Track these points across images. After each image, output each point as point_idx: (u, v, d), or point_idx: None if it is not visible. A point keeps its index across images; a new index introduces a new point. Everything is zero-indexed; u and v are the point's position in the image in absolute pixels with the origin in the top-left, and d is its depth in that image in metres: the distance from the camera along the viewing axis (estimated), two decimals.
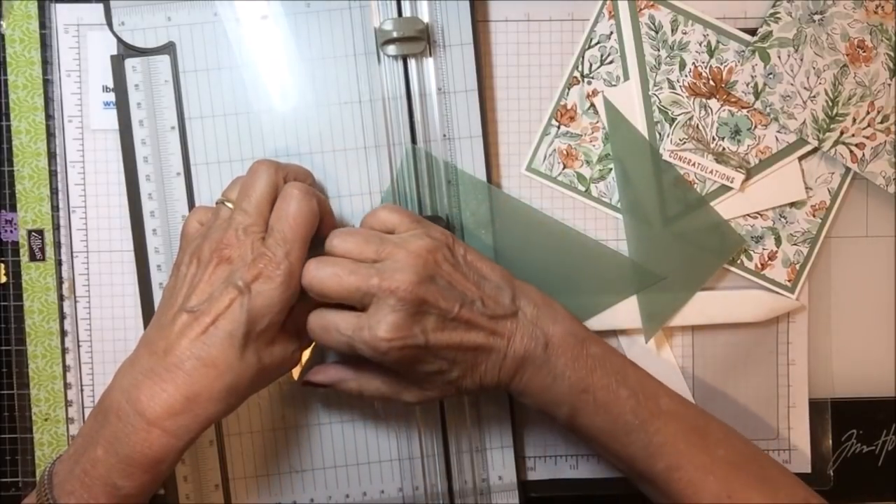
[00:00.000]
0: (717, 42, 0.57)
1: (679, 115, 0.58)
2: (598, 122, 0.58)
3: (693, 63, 0.58)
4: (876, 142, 0.58)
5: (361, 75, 0.56)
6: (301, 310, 0.49)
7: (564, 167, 0.58)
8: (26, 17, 0.56)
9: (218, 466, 0.57)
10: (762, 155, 0.58)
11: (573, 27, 0.58)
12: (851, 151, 0.58)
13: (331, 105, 0.56)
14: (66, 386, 0.58)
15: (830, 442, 0.60)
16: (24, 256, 0.57)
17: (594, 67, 0.58)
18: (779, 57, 0.57)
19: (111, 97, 0.57)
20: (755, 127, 0.58)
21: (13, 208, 0.57)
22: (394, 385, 0.51)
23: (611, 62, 0.58)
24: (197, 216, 0.51)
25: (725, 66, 0.57)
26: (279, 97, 0.56)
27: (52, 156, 0.57)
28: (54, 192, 0.57)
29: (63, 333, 0.58)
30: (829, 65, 0.57)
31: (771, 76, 0.57)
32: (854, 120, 0.57)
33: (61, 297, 0.58)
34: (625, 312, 0.58)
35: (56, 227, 0.57)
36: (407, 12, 0.55)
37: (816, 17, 0.57)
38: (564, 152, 0.58)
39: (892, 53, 0.57)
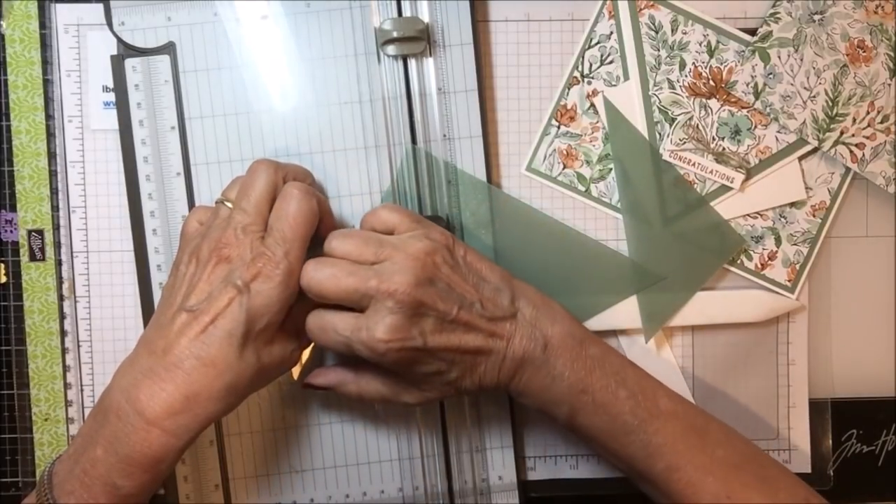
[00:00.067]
0: (717, 42, 0.57)
1: (679, 115, 0.58)
2: (598, 122, 0.58)
3: (693, 63, 0.58)
4: (876, 142, 0.58)
5: (361, 75, 0.56)
6: (300, 309, 0.49)
7: (564, 167, 0.58)
8: (26, 17, 0.56)
9: (218, 466, 0.57)
10: (762, 155, 0.58)
11: (573, 27, 0.58)
12: (851, 151, 0.58)
13: (331, 105, 0.56)
14: (66, 386, 0.58)
15: (830, 442, 0.60)
16: (24, 256, 0.57)
17: (594, 67, 0.58)
18: (779, 57, 0.57)
19: (111, 97, 0.57)
20: (755, 127, 0.58)
21: (13, 208, 0.57)
22: (393, 387, 0.51)
23: (611, 62, 0.58)
24: (197, 216, 0.51)
25: (725, 66, 0.57)
26: (279, 97, 0.56)
27: (52, 156, 0.57)
28: (54, 192, 0.57)
29: (63, 333, 0.58)
30: (829, 65, 0.57)
31: (771, 76, 0.57)
32: (854, 120, 0.57)
33: (61, 297, 0.58)
34: (625, 312, 0.58)
35: (56, 227, 0.57)
36: (407, 12, 0.55)
37: (816, 17, 0.57)
38: (564, 152, 0.58)
39: (892, 53, 0.57)
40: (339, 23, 0.56)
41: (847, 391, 0.61)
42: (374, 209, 0.51)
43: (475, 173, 0.57)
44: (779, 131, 0.58)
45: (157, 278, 0.56)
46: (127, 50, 0.55)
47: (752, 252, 0.59)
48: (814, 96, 0.57)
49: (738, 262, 0.59)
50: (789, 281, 0.59)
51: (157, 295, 0.56)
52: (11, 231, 0.57)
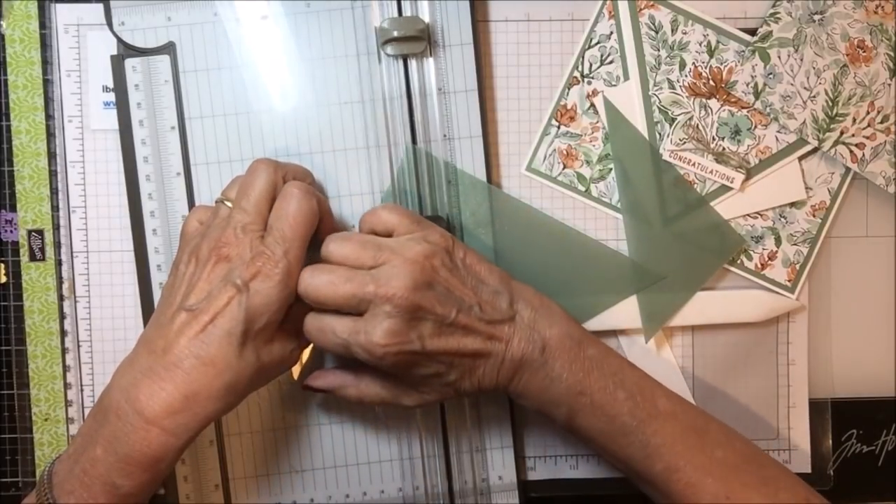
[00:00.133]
0: (717, 42, 0.57)
1: (679, 115, 0.58)
2: (598, 122, 0.58)
3: (693, 63, 0.58)
4: (876, 142, 0.58)
5: (362, 75, 0.56)
6: (299, 309, 0.49)
7: (564, 167, 0.58)
8: (26, 17, 0.56)
9: (218, 466, 0.57)
10: (762, 155, 0.58)
11: (573, 27, 0.58)
12: (851, 151, 0.58)
13: (331, 105, 0.56)
14: (66, 386, 0.58)
15: (830, 442, 0.60)
16: (24, 256, 0.57)
17: (594, 67, 0.58)
18: (779, 57, 0.57)
19: (111, 97, 0.57)
20: (755, 127, 0.58)
21: (13, 208, 0.57)
22: (393, 390, 0.51)
23: (611, 62, 0.58)
24: (196, 215, 0.51)
25: (725, 66, 0.57)
26: (279, 97, 0.56)
27: (52, 156, 0.57)
28: (54, 192, 0.57)
29: (63, 333, 0.58)
30: (829, 65, 0.57)
31: (771, 76, 0.57)
32: (854, 120, 0.57)
33: (61, 297, 0.58)
34: (625, 312, 0.58)
35: (56, 227, 0.57)
36: (407, 12, 0.55)
37: (816, 17, 0.57)
38: (564, 152, 0.58)
39: (892, 53, 0.57)
40: (339, 23, 0.56)
41: (847, 391, 0.61)
42: (373, 209, 0.51)
43: (475, 173, 0.57)
44: (779, 131, 0.58)
45: (157, 278, 0.56)
46: (127, 50, 0.55)
47: (752, 252, 0.59)
48: (814, 96, 0.57)
49: (738, 262, 0.59)
50: (789, 281, 0.59)
51: (157, 295, 0.56)
52: (11, 231, 0.57)
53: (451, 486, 0.58)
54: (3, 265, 0.58)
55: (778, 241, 0.59)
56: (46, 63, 0.57)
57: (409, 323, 0.46)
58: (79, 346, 0.58)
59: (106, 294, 0.58)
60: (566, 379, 0.49)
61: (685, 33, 0.57)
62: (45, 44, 0.57)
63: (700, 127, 0.58)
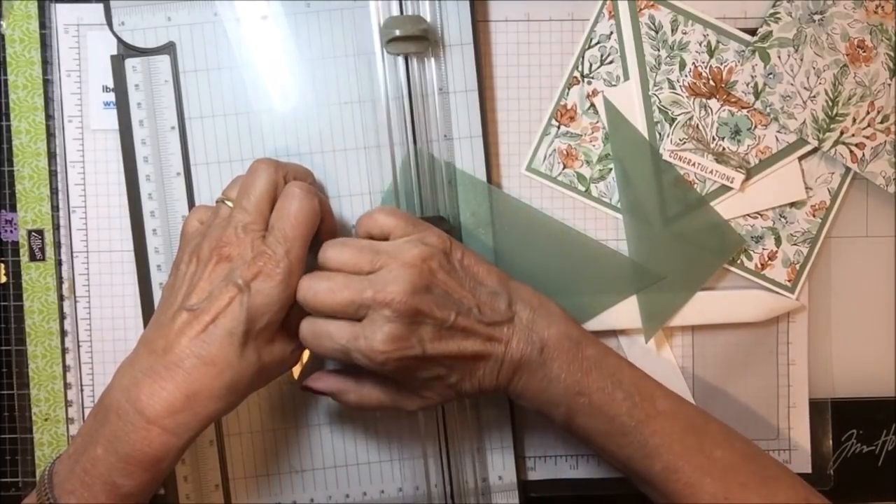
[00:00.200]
0: (717, 42, 0.57)
1: (679, 115, 0.58)
2: (598, 122, 0.58)
3: (693, 63, 0.58)
4: (876, 142, 0.58)
5: (361, 75, 0.56)
6: (300, 309, 0.48)
7: (564, 167, 0.58)
8: (26, 17, 0.56)
9: (218, 466, 0.57)
10: (762, 155, 0.58)
11: (573, 27, 0.58)
12: (851, 151, 0.58)
13: (331, 105, 0.56)
14: (66, 386, 0.58)
15: (830, 442, 0.60)
16: (24, 256, 0.57)
17: (594, 67, 0.58)
18: (779, 57, 0.57)
19: (111, 97, 0.57)
20: (755, 127, 0.58)
21: (13, 208, 0.57)
22: (393, 394, 0.51)
23: (611, 62, 0.58)
24: (197, 215, 0.51)
25: (725, 66, 0.58)
26: (279, 97, 0.56)
27: (52, 156, 0.57)
28: (54, 192, 0.57)
29: (63, 333, 0.58)
30: (829, 65, 0.57)
31: (771, 76, 0.57)
32: (854, 120, 0.57)
33: (61, 297, 0.58)
34: (625, 312, 0.58)
35: (56, 227, 0.57)
36: (408, 12, 0.55)
37: (816, 17, 0.57)
38: (564, 152, 0.58)
39: (892, 53, 0.57)
40: (339, 23, 0.56)
41: (847, 391, 0.61)
42: (369, 212, 0.51)
43: (475, 173, 0.57)
44: (779, 131, 0.58)
45: (157, 278, 0.56)
46: (127, 50, 0.55)
47: (752, 252, 0.59)
48: (814, 96, 0.57)
49: (738, 262, 0.59)
50: (789, 281, 0.59)
51: (157, 295, 0.56)
52: (11, 231, 0.57)
53: (451, 487, 0.58)
54: (3, 265, 0.58)
55: (778, 241, 0.59)
56: (46, 63, 0.57)
57: (409, 327, 0.46)
58: (79, 346, 0.58)
59: (106, 294, 0.58)
60: (564, 379, 0.49)
61: (685, 33, 0.57)
62: (45, 44, 0.57)
63: (700, 127, 0.58)
